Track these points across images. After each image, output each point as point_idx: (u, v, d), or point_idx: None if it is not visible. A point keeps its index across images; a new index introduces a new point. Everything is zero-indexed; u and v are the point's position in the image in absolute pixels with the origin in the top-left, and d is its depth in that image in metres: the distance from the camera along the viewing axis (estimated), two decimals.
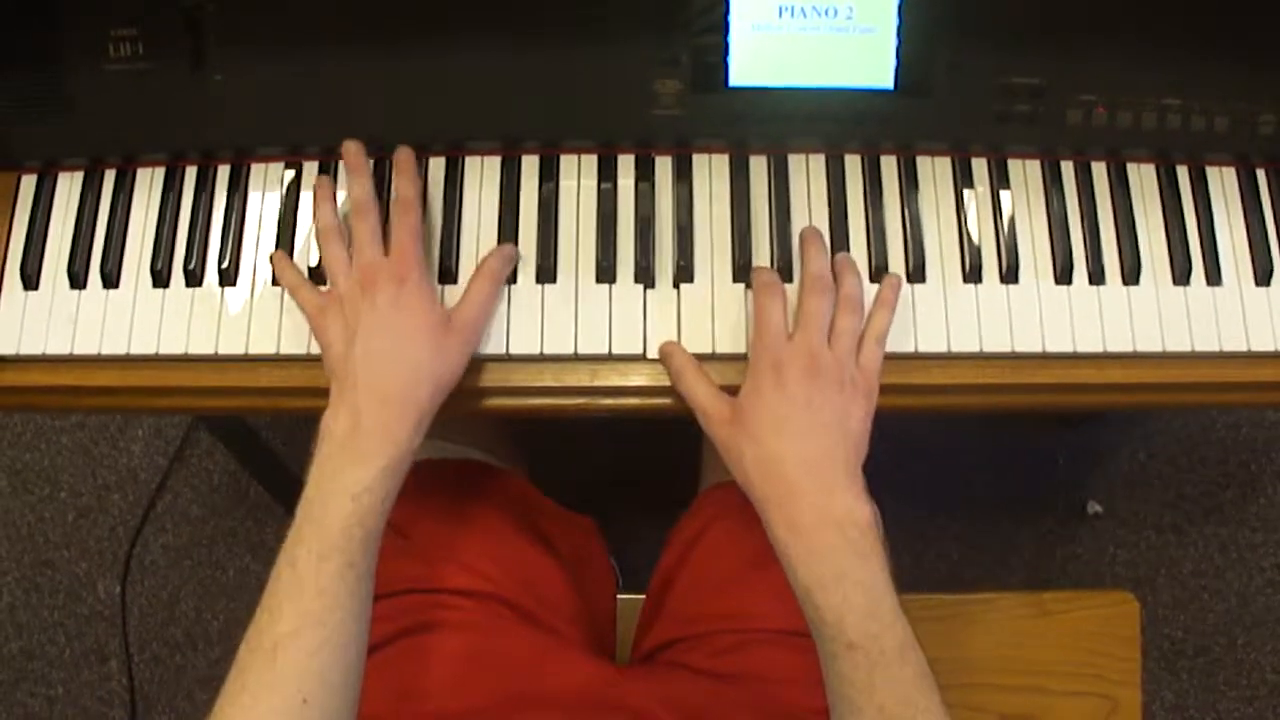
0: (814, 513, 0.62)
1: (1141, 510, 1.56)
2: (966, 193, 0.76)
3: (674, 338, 0.72)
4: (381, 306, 0.66)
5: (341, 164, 0.73)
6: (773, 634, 0.82)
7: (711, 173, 0.76)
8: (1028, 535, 1.55)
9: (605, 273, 0.73)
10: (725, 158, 0.76)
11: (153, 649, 1.51)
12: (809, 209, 0.75)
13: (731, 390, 0.72)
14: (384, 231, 0.70)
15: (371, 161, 0.73)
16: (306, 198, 0.76)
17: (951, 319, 0.73)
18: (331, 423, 0.64)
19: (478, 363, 0.73)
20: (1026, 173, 0.77)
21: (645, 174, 0.76)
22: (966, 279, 0.74)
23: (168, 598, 1.53)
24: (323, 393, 0.68)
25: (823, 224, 0.75)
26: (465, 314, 0.69)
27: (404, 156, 0.73)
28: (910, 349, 0.72)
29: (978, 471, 1.57)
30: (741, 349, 0.72)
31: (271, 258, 0.74)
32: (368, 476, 0.62)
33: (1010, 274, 0.74)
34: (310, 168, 0.77)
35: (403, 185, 0.71)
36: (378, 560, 0.82)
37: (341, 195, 0.74)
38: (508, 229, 0.74)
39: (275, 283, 0.74)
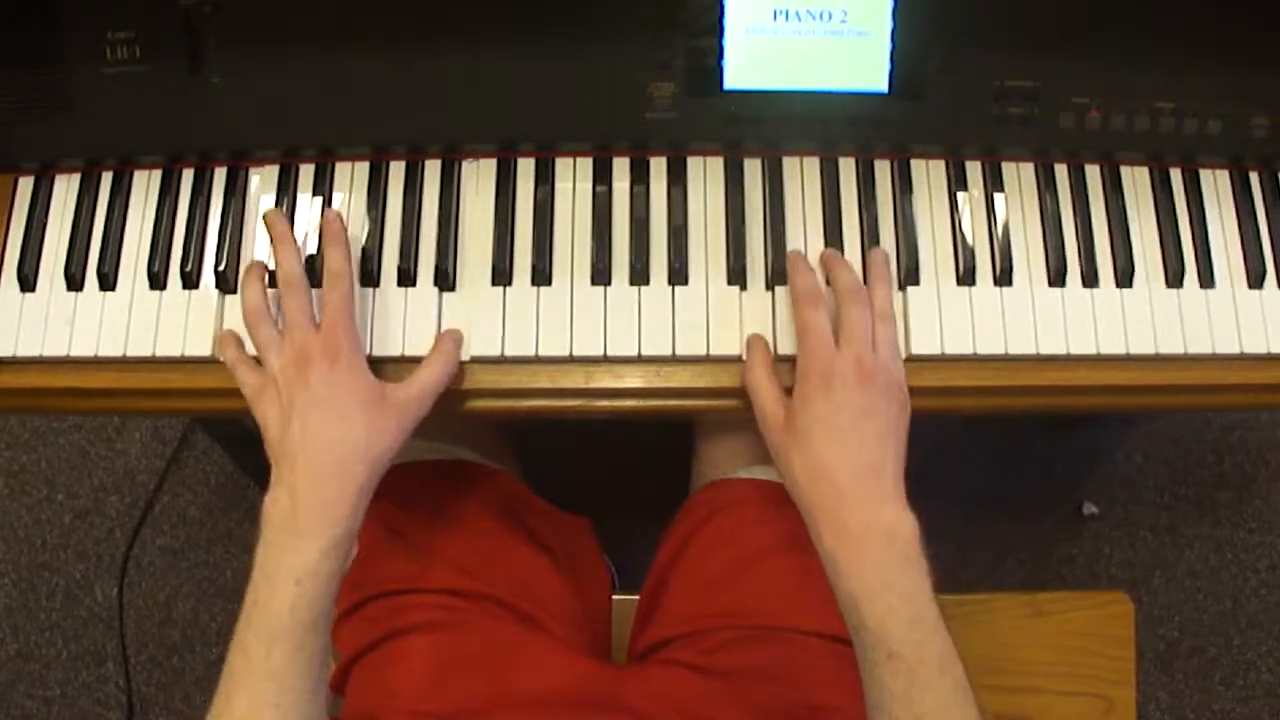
0: (862, 522, 0.63)
1: (1137, 512, 1.57)
2: (960, 195, 0.76)
3: (668, 341, 0.72)
4: (314, 385, 0.65)
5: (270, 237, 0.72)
6: (767, 631, 0.82)
7: (706, 176, 0.76)
8: (1024, 536, 1.55)
9: (600, 275, 0.74)
10: (720, 161, 0.76)
11: (150, 651, 1.51)
12: (803, 212, 0.75)
13: (725, 391, 0.73)
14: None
15: (295, 238, 0.72)
16: (303, 200, 0.76)
17: (945, 321, 0.73)
18: (271, 507, 0.64)
19: (473, 365, 0.73)
20: (1020, 175, 0.77)
21: (640, 177, 0.76)
22: (960, 281, 0.74)
23: (165, 599, 1.53)
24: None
25: (817, 226, 0.75)
26: (407, 393, 0.68)
27: (333, 222, 0.71)
28: (904, 352, 0.72)
29: (974, 473, 1.57)
30: (735, 351, 0.72)
31: (220, 337, 0.73)
32: (310, 560, 0.62)
33: (1004, 276, 0.74)
34: (307, 170, 0.77)
35: (333, 256, 0.70)
36: (368, 560, 0.83)
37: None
38: (503, 232, 0.74)
39: (271, 285, 0.74)
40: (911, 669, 0.60)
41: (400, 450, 0.68)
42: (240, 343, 0.71)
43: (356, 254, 0.74)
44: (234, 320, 0.73)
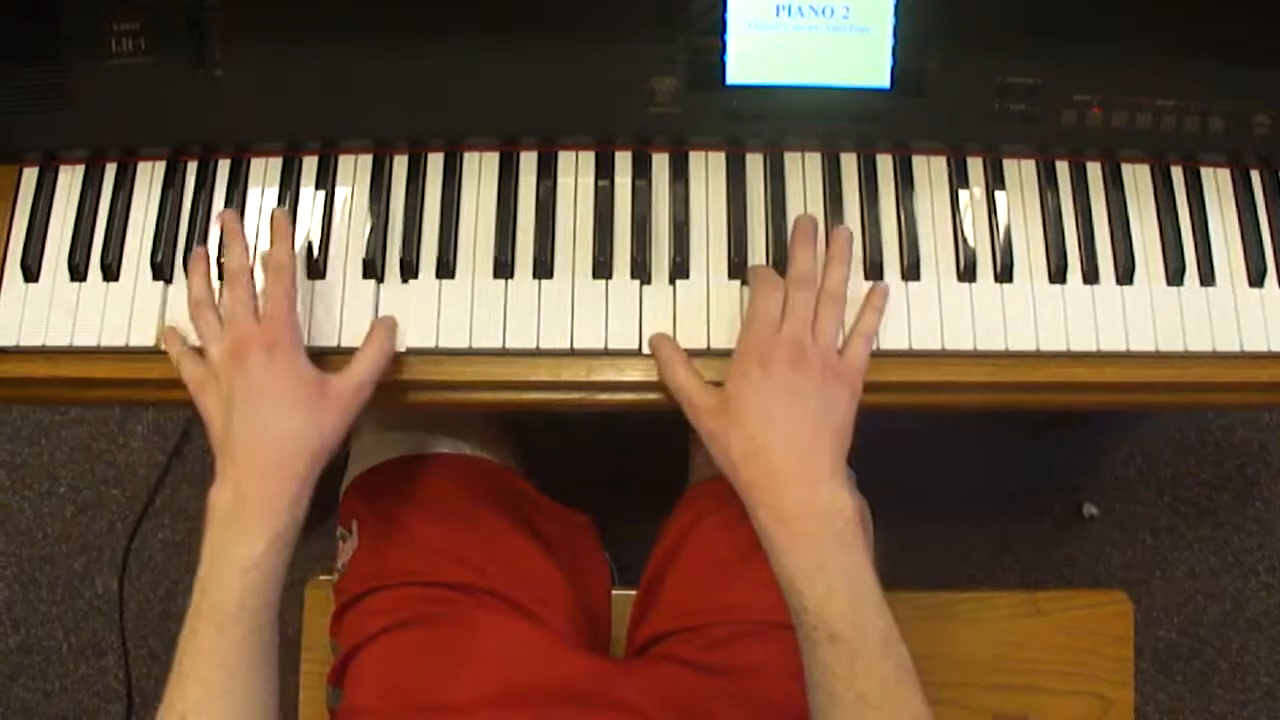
0: (798, 502, 0.63)
1: (1137, 513, 1.57)
2: (962, 192, 0.76)
3: (669, 333, 0.72)
4: (253, 374, 0.65)
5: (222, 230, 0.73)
6: (764, 626, 0.82)
7: (708, 170, 0.76)
8: (1023, 537, 1.55)
9: (602, 268, 0.74)
10: (722, 156, 0.77)
11: (150, 644, 1.52)
12: (805, 207, 0.76)
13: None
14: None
15: (245, 234, 0.72)
16: (306, 193, 0.77)
17: (946, 317, 0.73)
18: (216, 499, 0.64)
19: (473, 358, 0.73)
20: (1022, 172, 0.77)
21: (642, 171, 0.76)
22: (961, 277, 0.74)
23: (165, 593, 1.54)
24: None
25: (818, 222, 0.75)
26: (345, 383, 0.68)
27: (279, 219, 0.72)
28: (904, 346, 0.73)
29: (974, 473, 1.57)
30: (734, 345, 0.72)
31: (163, 333, 0.73)
32: (254, 551, 0.62)
33: (1005, 273, 0.74)
34: (310, 162, 0.77)
35: (277, 249, 0.70)
36: (368, 554, 0.83)
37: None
38: (505, 225, 0.75)
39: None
40: (853, 649, 0.60)
41: (345, 440, 0.69)
42: (183, 338, 0.72)
43: (359, 246, 0.75)
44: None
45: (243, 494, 0.64)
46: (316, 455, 0.66)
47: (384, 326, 0.72)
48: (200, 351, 0.70)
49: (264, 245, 0.75)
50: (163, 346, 0.73)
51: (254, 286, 0.69)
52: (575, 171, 0.76)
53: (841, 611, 0.60)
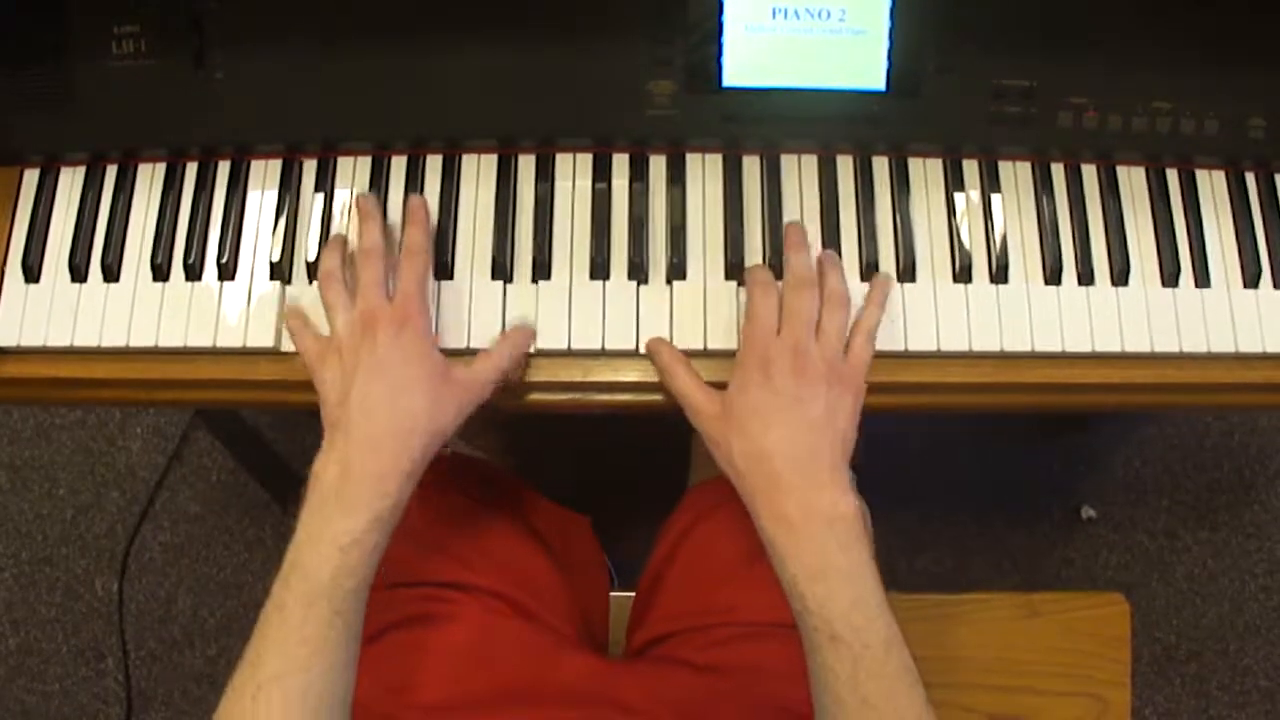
0: (801, 506, 0.63)
1: (1135, 515, 1.57)
2: (957, 194, 0.77)
3: (666, 334, 0.73)
4: (381, 350, 0.65)
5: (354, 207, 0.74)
6: (764, 627, 0.83)
7: (705, 172, 0.77)
8: (1022, 539, 1.56)
9: (599, 269, 0.74)
10: (719, 158, 0.77)
11: (150, 646, 1.52)
12: (801, 209, 0.76)
13: (722, 387, 0.73)
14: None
15: (382, 215, 0.73)
16: (306, 197, 0.77)
17: (941, 318, 0.74)
18: (322, 471, 0.63)
19: (471, 358, 0.73)
20: (1017, 174, 0.77)
21: (640, 173, 0.76)
22: (956, 279, 0.75)
23: (165, 595, 1.54)
24: None
25: (814, 224, 0.75)
26: (472, 373, 0.68)
27: (417, 205, 0.73)
28: (900, 348, 0.73)
29: (973, 475, 1.57)
30: (733, 345, 0.72)
31: (286, 312, 0.73)
32: (356, 528, 0.62)
33: (1000, 274, 0.75)
34: (310, 164, 0.78)
35: (414, 233, 0.71)
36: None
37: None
38: (503, 226, 0.75)
39: (273, 277, 0.75)
40: (856, 653, 0.60)
41: (457, 429, 0.68)
42: (305, 315, 0.72)
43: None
44: (235, 311, 0.74)
45: (350, 469, 0.63)
46: (432, 438, 0.65)
47: (522, 332, 0.72)
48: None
49: (264, 247, 0.76)
50: (284, 317, 0.73)
51: (386, 266, 0.69)
52: (573, 173, 0.77)
53: (844, 614, 0.61)
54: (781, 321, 0.67)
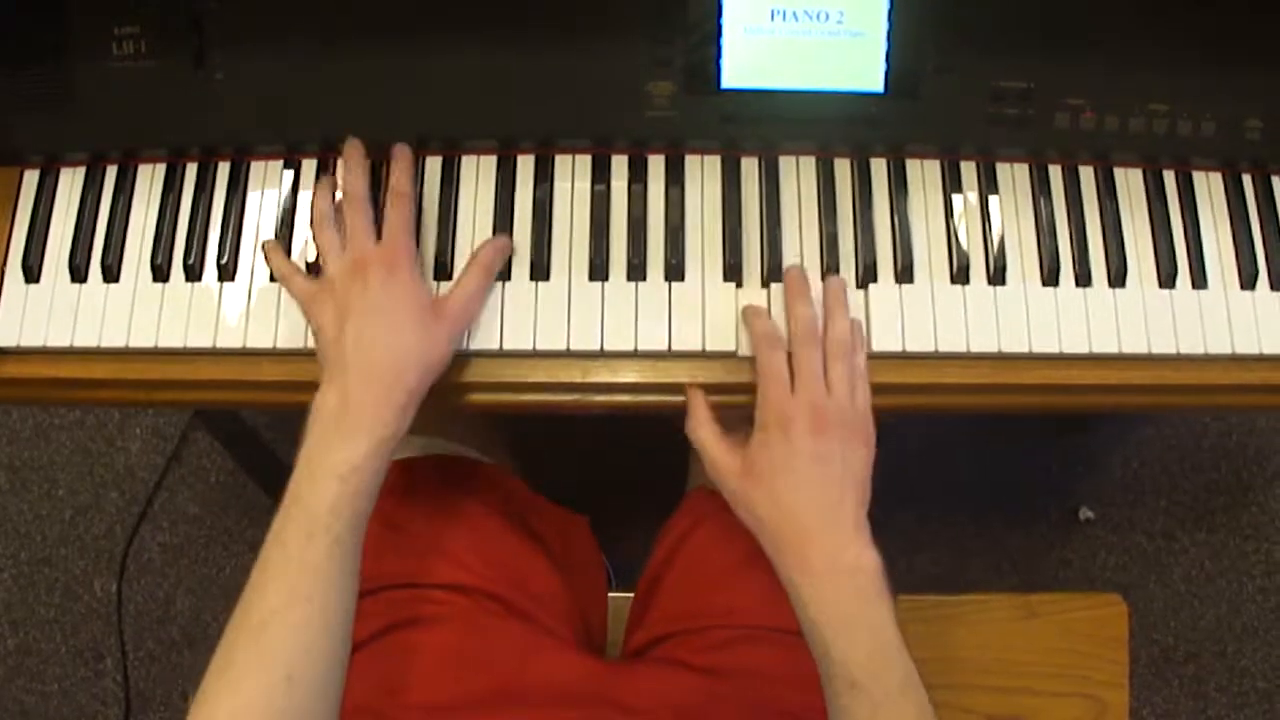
0: (825, 558, 0.65)
1: (1133, 516, 1.57)
2: (955, 195, 0.77)
3: (665, 335, 0.73)
4: (372, 290, 0.67)
5: (340, 159, 0.75)
6: (762, 631, 0.83)
7: (704, 174, 0.77)
8: (1020, 540, 1.56)
9: (598, 270, 0.74)
10: (717, 159, 0.77)
11: (148, 647, 1.52)
12: (799, 210, 0.76)
13: (722, 387, 0.73)
14: (378, 224, 0.71)
15: (369, 161, 0.74)
16: (305, 195, 0.77)
17: (939, 319, 0.74)
18: (321, 404, 0.65)
19: (470, 358, 0.74)
20: (1015, 176, 0.78)
21: (638, 174, 0.77)
22: (954, 280, 0.75)
23: (164, 596, 1.54)
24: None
25: (813, 225, 0.76)
26: (455, 302, 0.70)
27: (402, 151, 0.74)
28: (898, 349, 0.73)
29: (971, 476, 1.57)
30: (730, 347, 0.73)
31: (264, 247, 0.75)
32: (355, 456, 0.63)
33: (998, 275, 0.75)
34: (309, 165, 0.78)
35: (399, 178, 0.73)
36: (365, 555, 0.83)
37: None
38: (502, 227, 0.75)
39: (273, 278, 0.75)
40: (875, 700, 0.62)
41: (449, 363, 0.70)
42: (286, 255, 0.74)
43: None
44: (235, 311, 0.74)
45: (349, 399, 0.65)
46: (428, 370, 0.68)
47: (492, 248, 0.73)
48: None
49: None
50: (266, 255, 0.74)
51: (372, 210, 0.71)
52: (572, 174, 0.77)
53: (863, 662, 0.62)
54: (794, 378, 0.68)
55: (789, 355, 0.70)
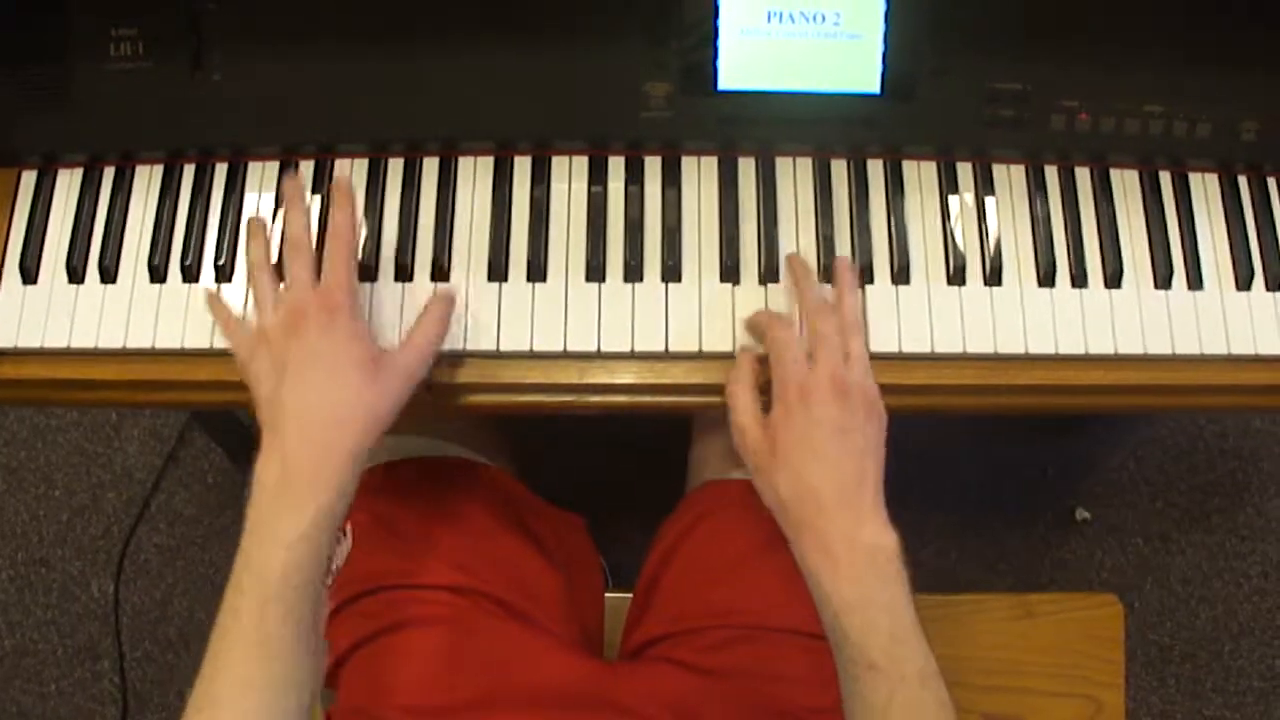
0: (845, 539, 0.64)
1: (1130, 517, 1.57)
2: (951, 197, 0.77)
3: (661, 336, 0.73)
4: (310, 339, 0.64)
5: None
6: (761, 630, 0.83)
7: (700, 175, 0.77)
8: (1017, 541, 1.56)
9: (595, 271, 0.74)
10: (714, 160, 0.77)
11: (145, 647, 1.52)
12: (796, 211, 0.76)
13: (718, 388, 0.73)
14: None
15: (308, 204, 0.73)
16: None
17: (935, 320, 0.74)
18: (263, 472, 0.63)
19: (467, 359, 0.74)
20: (1011, 177, 0.78)
21: (635, 175, 0.77)
22: (950, 281, 0.75)
23: (161, 597, 1.54)
24: None
25: (809, 226, 0.76)
26: (402, 358, 0.67)
27: (342, 185, 0.70)
28: (894, 349, 0.73)
29: (967, 477, 1.57)
30: (728, 348, 0.73)
31: (205, 295, 0.73)
32: (301, 524, 0.61)
33: (994, 276, 0.75)
34: (307, 166, 0.78)
35: (338, 215, 0.69)
36: (362, 555, 0.83)
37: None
38: (499, 228, 0.75)
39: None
40: (892, 684, 0.61)
41: (394, 420, 0.67)
42: (228, 307, 0.71)
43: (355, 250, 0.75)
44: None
45: (289, 466, 0.62)
46: (368, 428, 0.64)
47: (441, 301, 0.70)
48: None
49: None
50: (206, 307, 0.72)
51: (315, 254, 0.68)
52: (569, 175, 0.77)
53: (881, 645, 0.62)
54: (813, 349, 0.67)
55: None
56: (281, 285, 0.69)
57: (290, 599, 0.60)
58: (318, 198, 0.77)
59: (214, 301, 0.72)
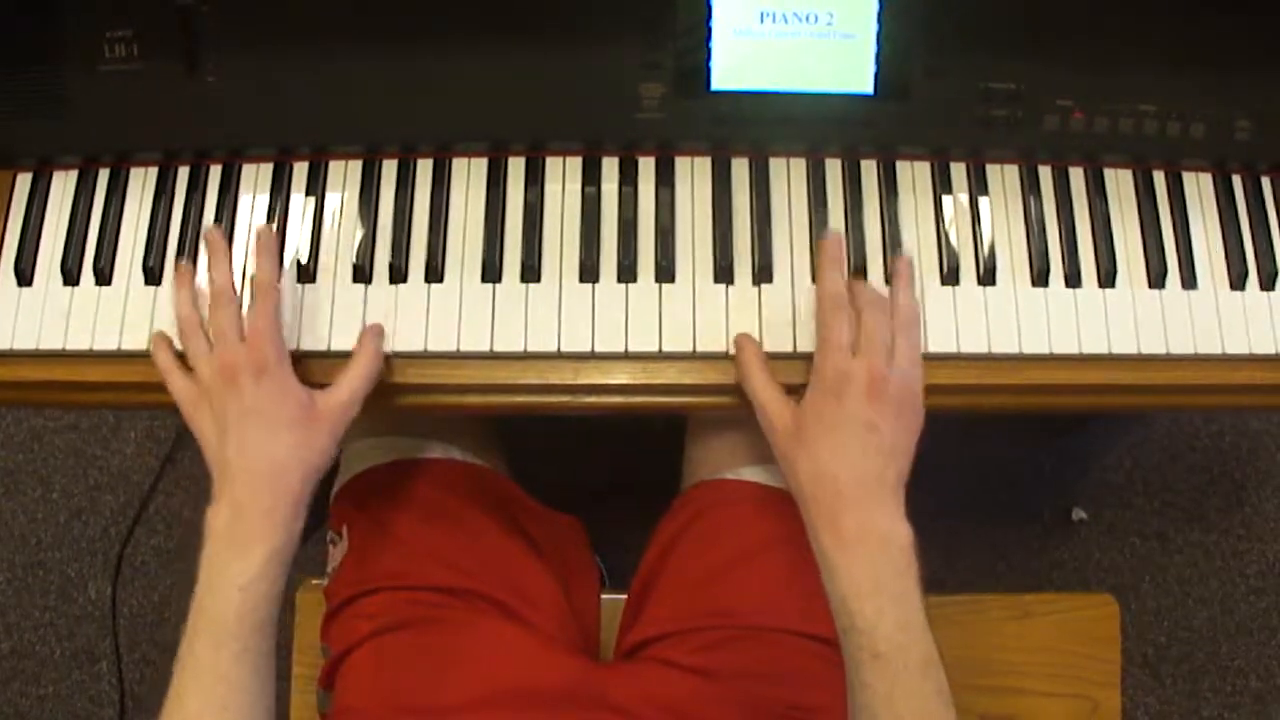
0: (859, 526, 0.64)
1: (1126, 517, 1.57)
2: (945, 197, 0.77)
3: (655, 337, 0.73)
4: (246, 396, 0.66)
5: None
6: (756, 630, 0.83)
7: (694, 175, 0.77)
8: (1013, 541, 1.56)
9: (589, 272, 0.74)
10: (707, 160, 0.77)
11: (143, 650, 1.52)
12: (789, 212, 0.76)
13: (717, 388, 0.73)
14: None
15: (230, 256, 0.73)
16: (296, 200, 0.77)
17: (929, 320, 0.74)
18: (213, 519, 0.66)
19: (462, 360, 0.74)
20: (1005, 177, 0.78)
21: (629, 176, 0.77)
22: (944, 281, 0.75)
23: (158, 599, 1.54)
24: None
25: (803, 226, 0.76)
26: (334, 399, 0.69)
27: (264, 236, 0.72)
28: None
29: (964, 477, 1.57)
30: (722, 348, 0.73)
31: (152, 338, 0.73)
32: (253, 567, 0.64)
33: (988, 276, 0.75)
34: (301, 168, 0.78)
35: (262, 267, 0.71)
36: (360, 557, 0.83)
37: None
38: (493, 229, 0.75)
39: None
40: (895, 671, 0.61)
41: (335, 452, 0.70)
42: (172, 347, 0.72)
43: (350, 251, 0.75)
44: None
45: (239, 512, 0.65)
46: (309, 473, 0.68)
47: (370, 340, 0.72)
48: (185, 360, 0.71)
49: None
50: (151, 354, 0.73)
51: (239, 305, 0.70)
52: (563, 176, 0.77)
53: (889, 633, 0.62)
54: (860, 342, 0.67)
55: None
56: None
57: (245, 638, 0.64)
58: (313, 198, 0.77)
59: (158, 349, 0.72)
